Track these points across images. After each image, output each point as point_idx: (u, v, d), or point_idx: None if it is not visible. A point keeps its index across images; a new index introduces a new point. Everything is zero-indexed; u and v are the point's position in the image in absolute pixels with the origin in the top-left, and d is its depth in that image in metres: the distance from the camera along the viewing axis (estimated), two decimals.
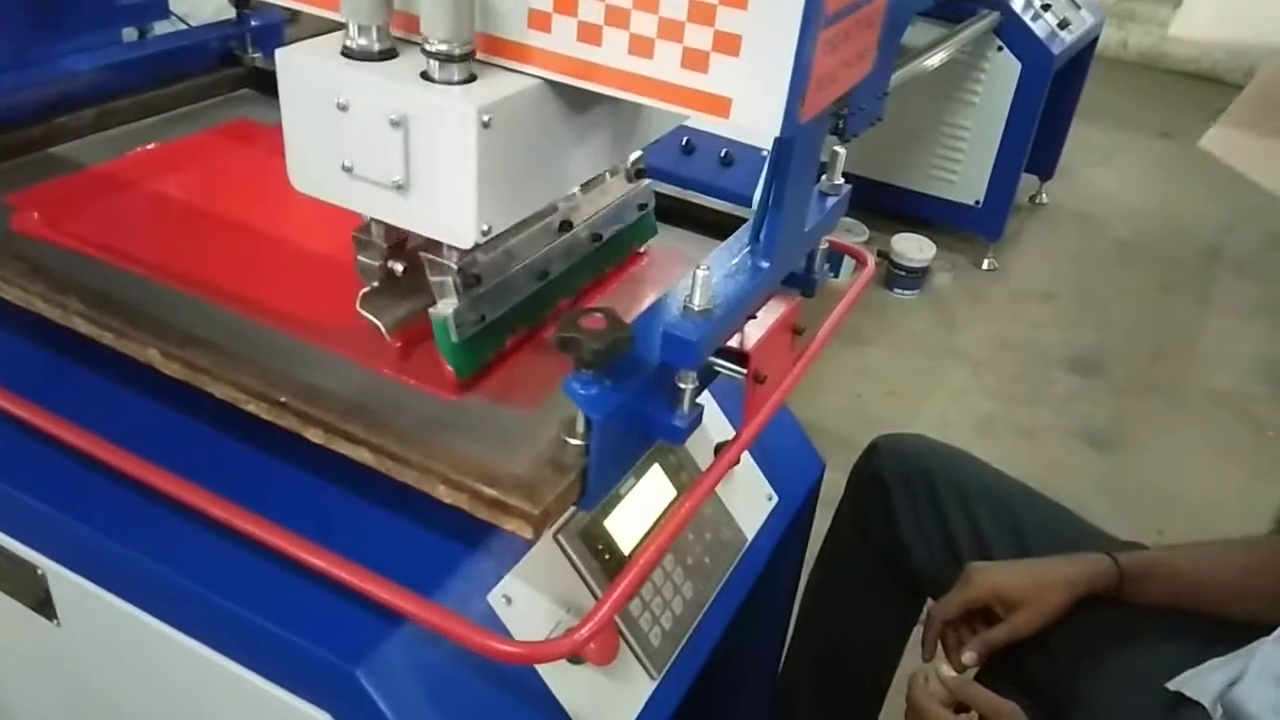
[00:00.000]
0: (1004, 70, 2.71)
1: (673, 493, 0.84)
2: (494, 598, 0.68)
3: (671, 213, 0.97)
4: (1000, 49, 2.69)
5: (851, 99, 1.88)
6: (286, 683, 0.64)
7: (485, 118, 0.57)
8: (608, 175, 0.83)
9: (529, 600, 0.70)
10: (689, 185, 1.72)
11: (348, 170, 0.62)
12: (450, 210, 0.60)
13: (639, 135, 0.76)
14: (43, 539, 0.72)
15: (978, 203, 2.91)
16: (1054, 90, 2.78)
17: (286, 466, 0.72)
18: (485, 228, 0.61)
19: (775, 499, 0.96)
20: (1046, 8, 2.75)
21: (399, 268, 0.71)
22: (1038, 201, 3.39)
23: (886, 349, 2.57)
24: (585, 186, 0.80)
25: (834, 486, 1.11)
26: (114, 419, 0.72)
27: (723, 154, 1.66)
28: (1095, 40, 3.07)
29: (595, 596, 0.74)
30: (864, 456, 1.13)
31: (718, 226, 0.96)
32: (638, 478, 0.82)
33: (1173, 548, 1.00)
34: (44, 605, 0.75)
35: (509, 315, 0.74)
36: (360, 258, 0.70)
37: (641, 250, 0.91)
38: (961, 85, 2.80)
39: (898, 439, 1.12)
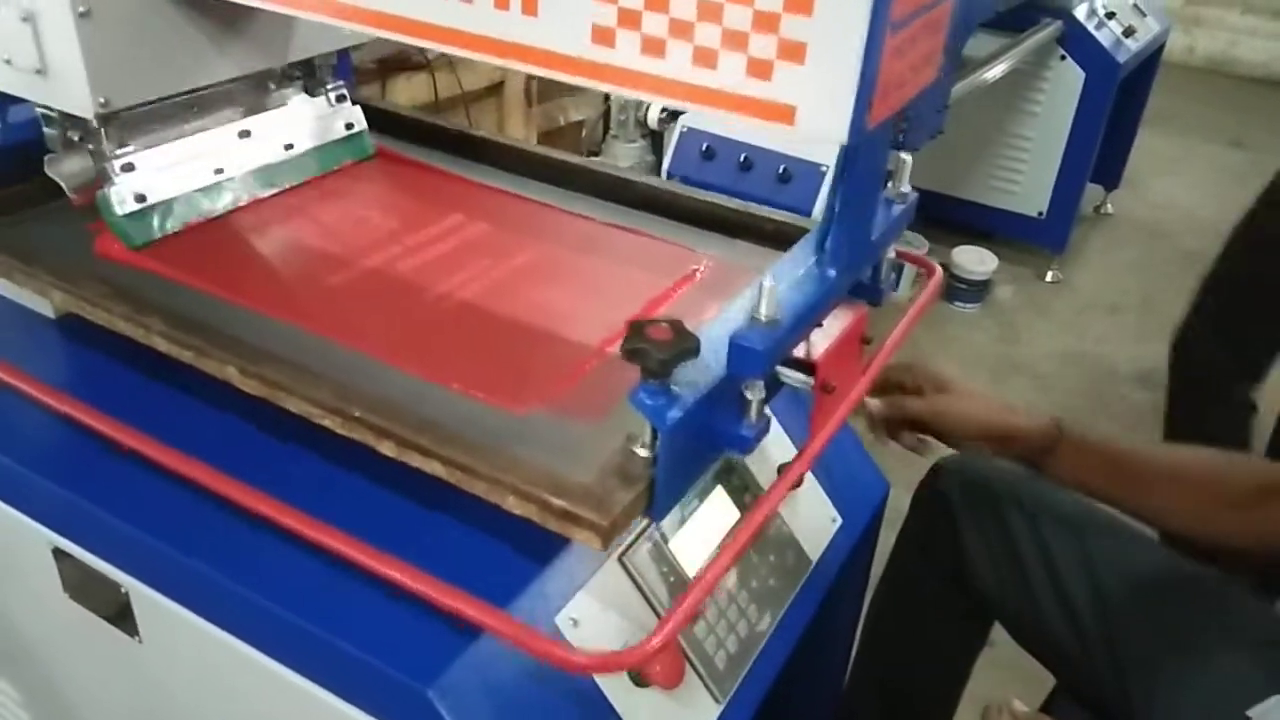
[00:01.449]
0: (1068, 79, 2.67)
1: (736, 514, 0.84)
2: (561, 619, 0.69)
3: (730, 224, 0.98)
4: (1063, 58, 2.65)
5: (912, 112, 1.86)
6: (358, 700, 0.65)
7: (82, 8, 0.70)
8: (292, 94, 0.93)
9: (595, 622, 0.71)
10: (747, 200, 1.73)
11: (8, 63, 0.76)
12: (72, 87, 0.74)
13: (295, 47, 0.88)
14: (126, 557, 0.74)
15: (1041, 214, 2.86)
16: (1119, 98, 2.73)
17: (358, 484, 0.74)
18: (102, 100, 0.73)
19: (839, 521, 0.95)
20: (1111, 16, 2.70)
21: (76, 137, 0.81)
22: (1103, 212, 3.32)
23: (947, 363, 2.54)
24: (266, 102, 0.92)
25: (897, 507, 1.10)
26: (193, 437, 0.74)
27: (781, 170, 1.66)
28: (1161, 47, 3.00)
29: (660, 618, 0.74)
30: (928, 477, 1.12)
31: (778, 237, 0.96)
32: (701, 500, 0.82)
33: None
34: (126, 622, 0.77)
35: (182, 199, 0.85)
36: (45, 129, 0.82)
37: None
38: (1024, 95, 2.76)
39: (962, 459, 1.10)
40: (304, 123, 0.90)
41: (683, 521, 0.80)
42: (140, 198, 0.80)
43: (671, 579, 0.77)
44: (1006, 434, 0.98)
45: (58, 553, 0.78)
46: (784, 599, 0.86)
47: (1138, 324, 2.77)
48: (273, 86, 0.90)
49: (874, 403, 1.01)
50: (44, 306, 0.91)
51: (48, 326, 0.91)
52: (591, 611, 0.71)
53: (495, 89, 2.56)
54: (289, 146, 0.88)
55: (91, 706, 0.91)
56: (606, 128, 1.98)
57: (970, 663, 1.17)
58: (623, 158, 1.86)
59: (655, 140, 1.87)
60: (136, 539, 0.71)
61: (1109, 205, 3.32)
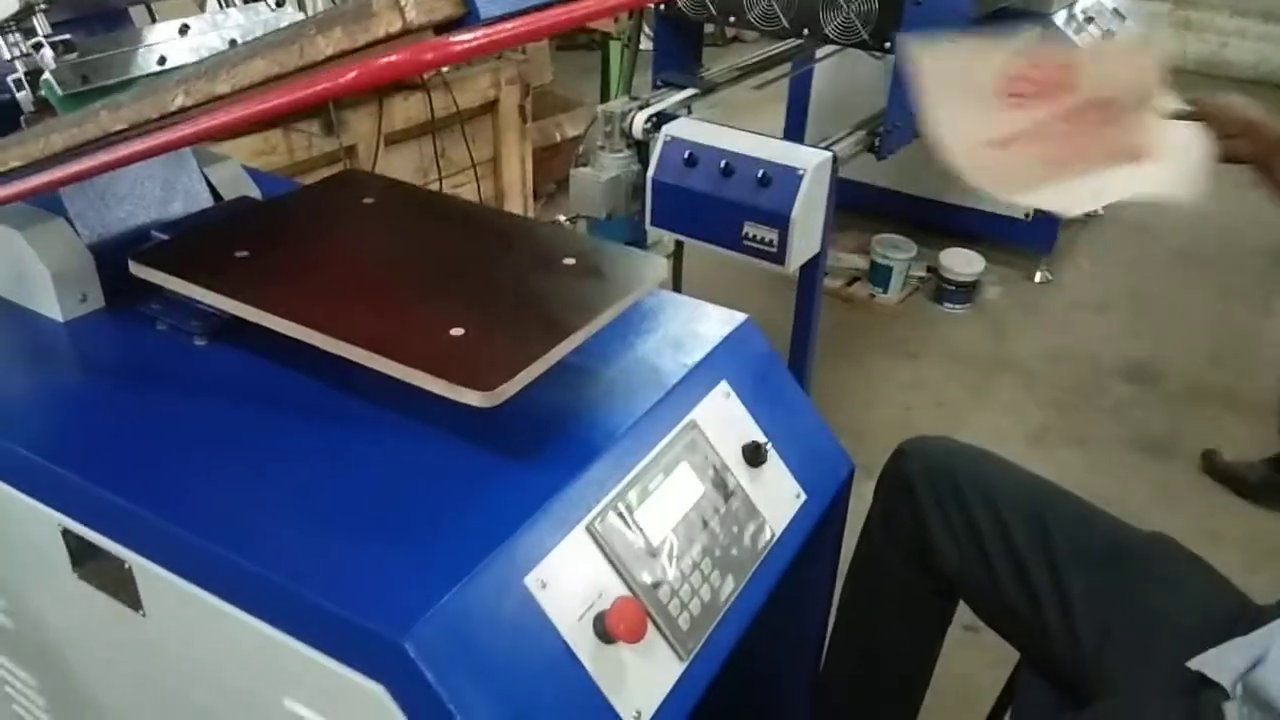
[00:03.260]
0: None
1: (701, 489, 0.90)
2: (530, 580, 0.75)
3: None
4: None
5: (886, 118, 1.92)
6: (343, 656, 0.71)
7: None
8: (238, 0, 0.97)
9: (563, 584, 0.76)
10: (729, 204, 1.79)
11: None
12: None
13: None
14: (127, 533, 0.80)
15: (1028, 216, 2.92)
16: None
17: (343, 447, 0.81)
18: None
19: (804, 497, 1.01)
20: (1090, 20, 2.76)
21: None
22: (1092, 214, 3.37)
23: (936, 362, 2.59)
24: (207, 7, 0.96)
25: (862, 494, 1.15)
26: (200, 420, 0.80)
27: (760, 175, 1.72)
28: None
29: (626, 583, 0.80)
30: (891, 460, 1.17)
31: None
32: (666, 474, 0.87)
33: None
34: (130, 596, 0.83)
35: (126, 85, 0.86)
36: (19, 94, 0.85)
37: None
38: None
39: (923, 442, 1.16)
40: (245, 24, 0.95)
41: (648, 494, 0.86)
42: (83, 79, 0.84)
43: (637, 546, 0.82)
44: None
45: (66, 533, 0.84)
46: (747, 569, 0.91)
47: (1126, 321, 2.82)
48: None
49: None
50: (54, 311, 0.98)
51: (58, 329, 0.98)
52: (559, 575, 0.76)
53: (490, 107, 2.63)
54: (233, 43, 0.93)
55: (102, 684, 0.97)
56: (595, 139, 2.04)
57: (939, 638, 1.21)
58: (610, 168, 1.92)
59: (640, 149, 1.94)
60: (138, 516, 0.77)
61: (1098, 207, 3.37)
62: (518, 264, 0.96)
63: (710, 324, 1.04)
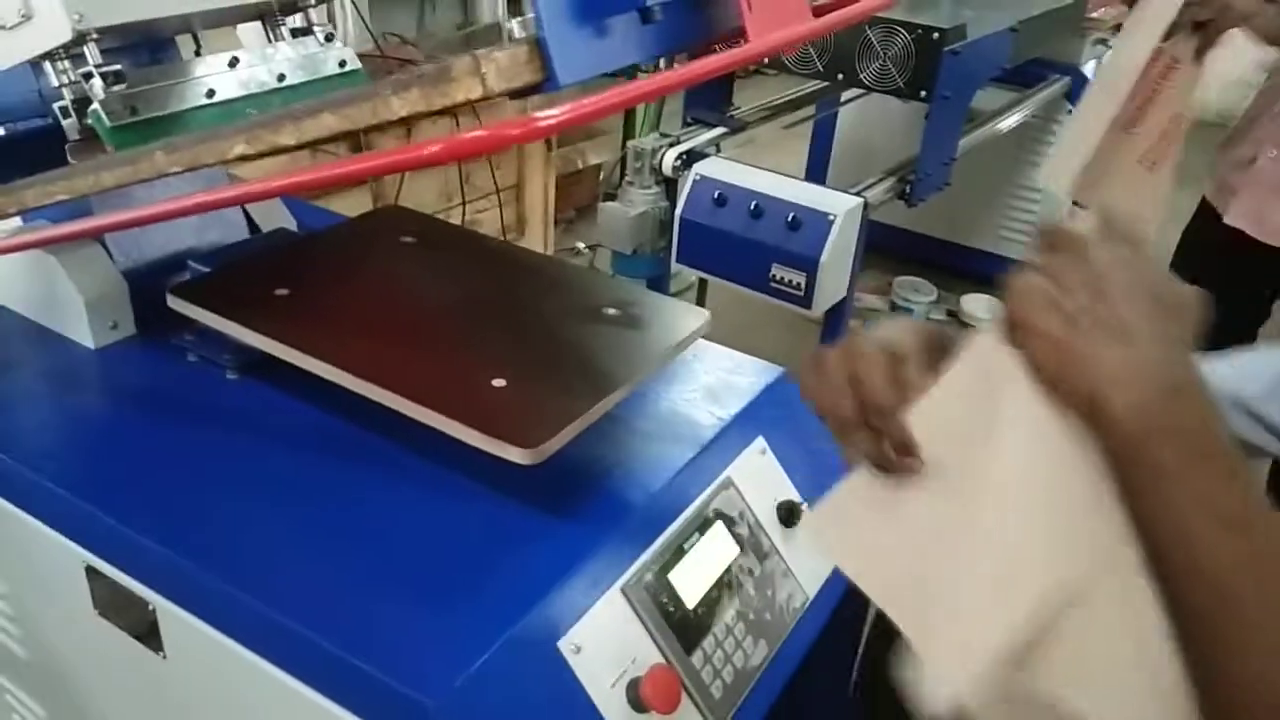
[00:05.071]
0: None
1: (735, 550, 0.88)
2: (564, 645, 0.73)
3: None
4: (1070, 112, 2.71)
5: (919, 165, 1.92)
6: (368, 715, 0.69)
7: None
8: (287, 34, 0.97)
9: (597, 649, 0.74)
10: (758, 246, 1.78)
11: (7, 28, 0.77)
12: (51, 15, 0.76)
13: None
14: (154, 575, 0.78)
15: None
16: None
17: (381, 505, 0.79)
18: (77, 15, 0.75)
19: None
20: None
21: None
22: None
23: None
24: (270, 35, 0.97)
25: None
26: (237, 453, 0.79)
27: (790, 218, 1.71)
28: None
29: (659, 648, 0.78)
30: None
31: None
32: (701, 534, 0.85)
33: None
34: (153, 638, 0.81)
35: (172, 117, 0.87)
36: (65, 122, 0.86)
37: None
38: (1033, 148, 2.82)
39: None
40: (294, 58, 0.94)
41: (683, 554, 0.84)
42: (132, 110, 0.84)
43: (671, 609, 0.80)
44: None
45: (90, 571, 0.82)
46: (780, 634, 0.89)
47: None
48: (259, 24, 0.97)
49: None
50: (85, 337, 0.97)
51: (88, 356, 0.97)
52: (593, 639, 0.75)
53: None
54: (281, 78, 0.92)
55: None
56: (623, 174, 2.04)
57: None
58: (638, 203, 1.92)
59: (669, 187, 1.93)
60: (164, 557, 0.76)
61: None
62: (560, 312, 0.94)
63: (747, 376, 1.03)
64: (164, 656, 0.81)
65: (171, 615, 0.78)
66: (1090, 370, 0.49)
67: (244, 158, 0.57)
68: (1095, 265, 0.51)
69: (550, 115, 0.44)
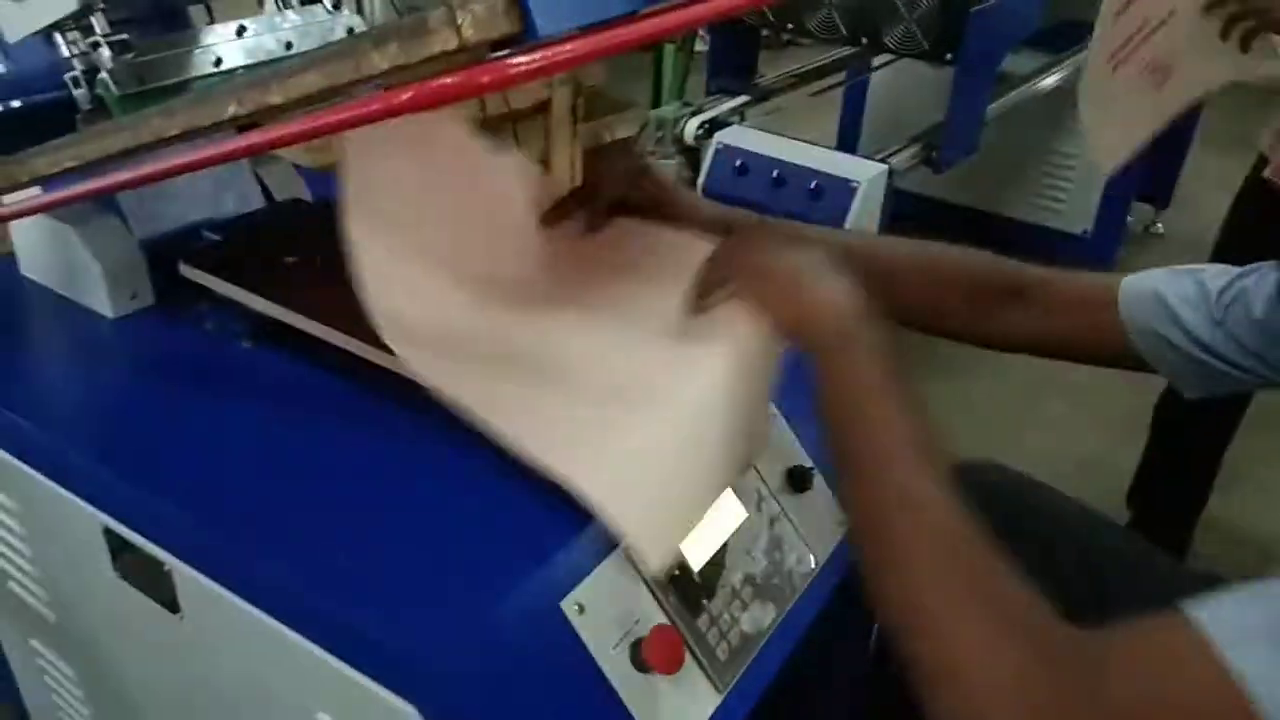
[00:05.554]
0: None
1: (743, 513, 0.88)
2: (567, 604, 0.73)
3: None
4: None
5: (946, 131, 1.88)
6: (376, 674, 0.70)
7: None
8: (295, 2, 0.95)
9: (600, 609, 0.75)
10: (780, 215, 1.76)
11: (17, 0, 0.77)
12: None
13: None
14: (169, 536, 0.80)
15: (1086, 232, 2.85)
16: None
17: (381, 463, 0.80)
18: None
19: (847, 525, 0.98)
20: None
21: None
22: (1153, 232, 3.28)
23: (985, 379, 2.53)
24: (280, 3, 0.95)
25: None
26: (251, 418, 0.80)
27: (813, 186, 1.69)
28: None
29: (663, 608, 0.78)
30: None
31: None
32: None
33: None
34: (169, 599, 0.83)
35: (181, 86, 0.86)
36: (75, 92, 0.85)
37: None
38: (1069, 112, 2.75)
39: (967, 466, 1.12)
40: (301, 25, 0.93)
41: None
42: (139, 79, 0.84)
43: (676, 571, 0.80)
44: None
45: (108, 533, 0.84)
46: (788, 599, 0.89)
47: None
48: None
49: None
50: (104, 307, 0.99)
51: (107, 325, 0.99)
52: (597, 598, 0.75)
53: (542, 108, 2.63)
54: (289, 46, 0.92)
55: (138, 681, 0.97)
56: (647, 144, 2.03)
57: None
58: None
59: (691, 156, 1.92)
60: (178, 519, 0.77)
61: (1159, 225, 3.28)
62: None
63: None
64: (181, 617, 0.83)
65: (186, 576, 0.80)
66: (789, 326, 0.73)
67: (236, 119, 0.57)
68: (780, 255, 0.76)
69: (520, 62, 0.44)
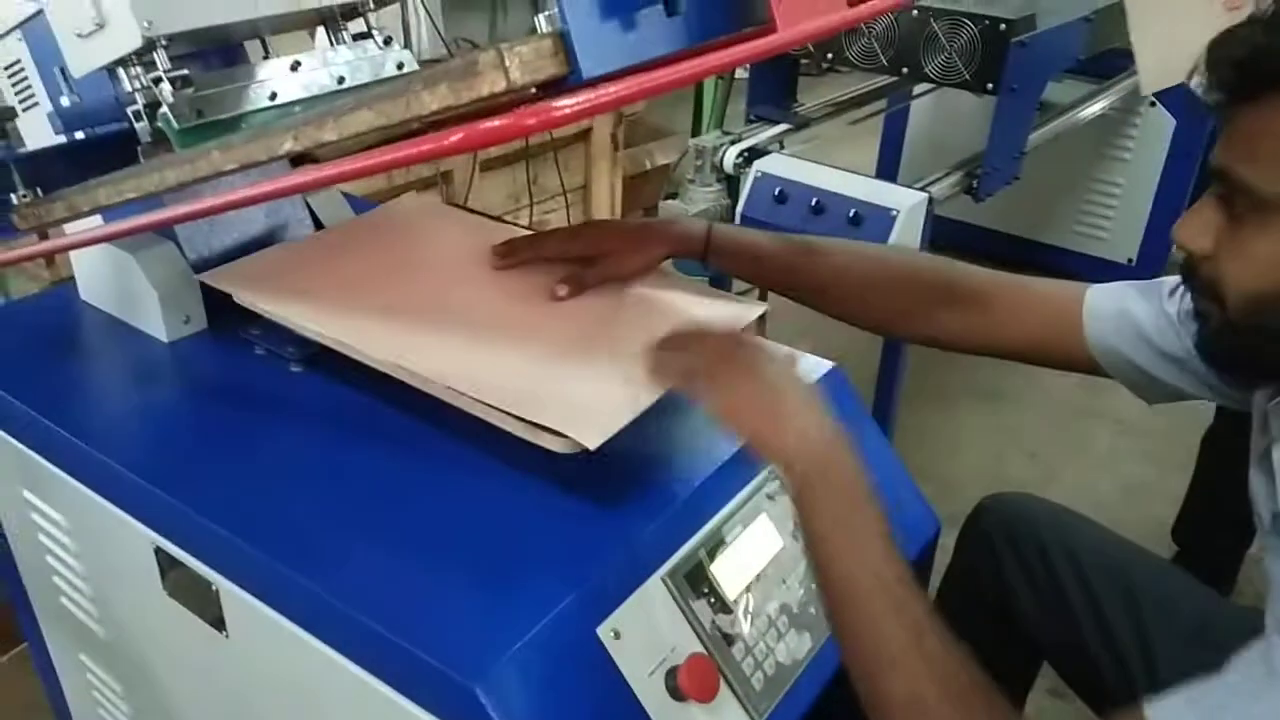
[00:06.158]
0: (1157, 126, 2.64)
1: (780, 542, 0.88)
2: (603, 631, 0.74)
3: None
4: (1153, 104, 2.62)
5: (986, 159, 1.88)
6: (415, 696, 0.71)
7: None
8: (347, 37, 0.97)
9: (637, 636, 0.75)
10: None
11: (83, 36, 0.79)
12: (122, 23, 0.77)
13: None
14: (217, 557, 0.82)
15: (1130, 261, 2.82)
16: (1213, 145, 2.68)
17: (424, 490, 0.82)
18: (146, 24, 0.76)
19: None
20: None
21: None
22: None
23: (1028, 408, 2.51)
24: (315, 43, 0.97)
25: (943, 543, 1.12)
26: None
27: (851, 214, 1.69)
28: None
29: (699, 637, 0.79)
30: (971, 517, 1.13)
31: None
32: (745, 526, 0.86)
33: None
34: (216, 618, 0.85)
35: (238, 119, 0.87)
36: (137, 126, 0.87)
37: None
38: (1112, 141, 2.73)
39: (1005, 499, 1.12)
40: (353, 61, 0.95)
41: (726, 545, 0.84)
42: (198, 112, 0.86)
43: (712, 599, 0.81)
44: (669, 249, 1.02)
45: (158, 551, 0.86)
46: (824, 628, 0.89)
47: None
48: (321, 29, 0.99)
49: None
50: (159, 331, 1.02)
51: (162, 349, 1.02)
52: (633, 625, 0.76)
53: (584, 135, 2.67)
54: (341, 80, 0.94)
55: (184, 698, 0.99)
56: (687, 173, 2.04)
57: (1021, 699, 1.17)
58: (699, 201, 1.92)
59: (731, 184, 1.93)
60: (225, 540, 0.79)
61: None
62: (618, 303, 0.96)
63: None
64: (226, 636, 0.85)
65: (233, 596, 0.82)
66: (775, 447, 0.74)
67: (290, 154, 0.60)
68: (758, 365, 0.78)
69: (566, 104, 0.45)
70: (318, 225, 1.15)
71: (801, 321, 1.07)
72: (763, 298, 1.16)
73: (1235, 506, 1.85)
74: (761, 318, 1.00)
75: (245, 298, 0.92)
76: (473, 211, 1.17)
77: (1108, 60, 2.50)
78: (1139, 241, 2.77)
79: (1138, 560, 1.04)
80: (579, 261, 0.99)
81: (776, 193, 1.78)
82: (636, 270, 1.00)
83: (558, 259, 1.00)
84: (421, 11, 2.43)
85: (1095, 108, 2.38)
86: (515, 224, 1.13)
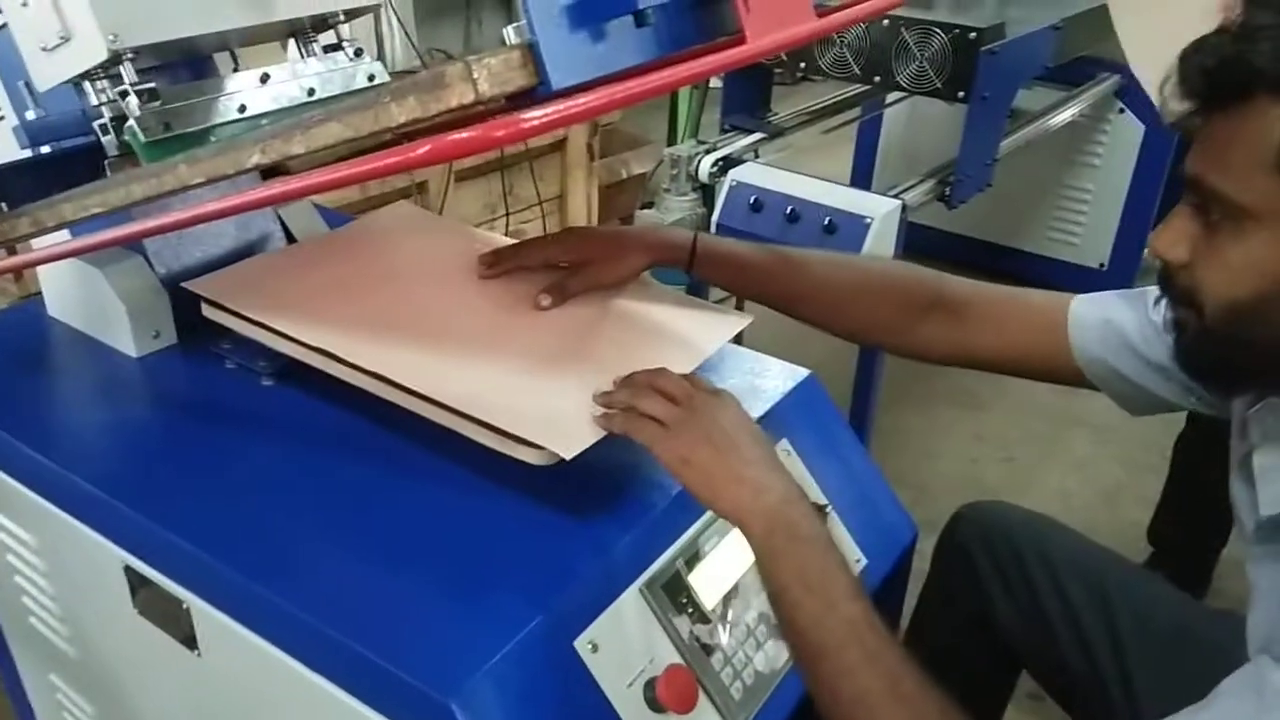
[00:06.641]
0: (1127, 132, 2.67)
1: None
2: (580, 643, 0.73)
3: None
4: (1122, 111, 2.65)
5: (958, 167, 1.89)
6: (391, 712, 0.70)
7: None
8: (318, 49, 0.96)
9: (614, 648, 0.75)
10: None
11: (48, 50, 0.79)
12: (88, 39, 0.76)
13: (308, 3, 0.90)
14: (187, 575, 0.81)
15: (1102, 265, 2.84)
16: (1182, 151, 2.71)
17: (397, 507, 0.80)
18: (112, 36, 0.75)
19: (864, 562, 0.98)
20: None
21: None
22: None
23: (1003, 413, 2.52)
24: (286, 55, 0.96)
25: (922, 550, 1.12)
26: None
27: (826, 222, 1.70)
28: None
29: (677, 648, 0.78)
30: (948, 526, 1.14)
31: None
32: (721, 536, 0.86)
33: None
34: (187, 636, 0.84)
35: (206, 132, 0.86)
36: (104, 139, 0.86)
37: None
38: (1082, 148, 2.76)
39: (981, 508, 1.12)
40: (324, 73, 0.94)
41: (703, 555, 0.84)
42: (165, 126, 0.84)
43: (690, 610, 0.81)
44: (651, 257, 1.01)
45: (128, 570, 0.85)
46: None
47: None
48: (292, 41, 0.98)
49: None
50: (128, 346, 1.01)
51: (131, 364, 1.00)
52: (611, 637, 0.75)
53: (559, 145, 2.66)
54: (311, 92, 0.93)
55: (156, 717, 0.98)
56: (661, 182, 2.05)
57: (1001, 709, 1.17)
58: (675, 210, 1.92)
59: (706, 193, 1.93)
60: (197, 557, 0.78)
61: None
62: (598, 313, 0.96)
63: (772, 379, 1.03)
64: (199, 654, 0.84)
65: (205, 614, 0.81)
66: (728, 503, 0.74)
67: (259, 167, 0.59)
68: (715, 417, 0.77)
69: (535, 115, 0.45)
70: (290, 238, 1.14)
71: (774, 318, 1.07)
72: (739, 307, 1.16)
73: (1209, 509, 1.88)
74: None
75: (228, 304, 0.92)
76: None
77: (1077, 68, 2.53)
78: (1110, 246, 2.80)
79: (1113, 567, 1.04)
80: (562, 268, 0.99)
81: (752, 201, 1.79)
82: (621, 278, 0.99)
83: (541, 266, 1.00)
84: (395, 23, 2.43)
85: (1065, 115, 2.41)
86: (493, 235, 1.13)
